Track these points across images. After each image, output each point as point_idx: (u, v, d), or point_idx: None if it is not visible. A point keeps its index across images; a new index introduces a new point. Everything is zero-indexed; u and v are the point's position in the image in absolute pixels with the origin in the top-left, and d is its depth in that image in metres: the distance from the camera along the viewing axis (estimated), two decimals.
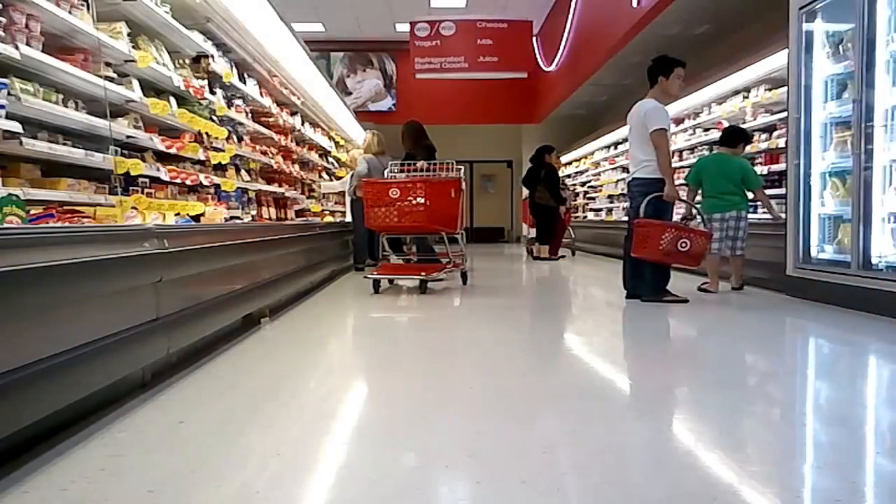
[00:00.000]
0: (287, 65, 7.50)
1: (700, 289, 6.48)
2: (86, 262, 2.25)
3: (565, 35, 13.82)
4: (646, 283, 5.73)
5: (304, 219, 8.41)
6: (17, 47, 2.94)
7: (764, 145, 7.92)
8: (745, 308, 5.64)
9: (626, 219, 6.79)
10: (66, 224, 2.95)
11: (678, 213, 6.32)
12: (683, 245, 5.45)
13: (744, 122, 8.41)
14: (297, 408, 2.69)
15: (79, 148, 3.51)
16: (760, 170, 7.91)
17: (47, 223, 2.82)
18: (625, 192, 12.07)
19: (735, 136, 6.85)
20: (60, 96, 3.36)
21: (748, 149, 8.06)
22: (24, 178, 3.22)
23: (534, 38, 15.20)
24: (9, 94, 2.90)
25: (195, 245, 3.38)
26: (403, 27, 14.82)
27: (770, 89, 7.82)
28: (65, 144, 3.45)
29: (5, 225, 2.26)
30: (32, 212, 2.86)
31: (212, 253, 3.61)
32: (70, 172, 3.58)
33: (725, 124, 8.78)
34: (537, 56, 15.99)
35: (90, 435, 2.24)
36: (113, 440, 2.21)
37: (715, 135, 8.97)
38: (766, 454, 2.14)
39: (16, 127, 2.88)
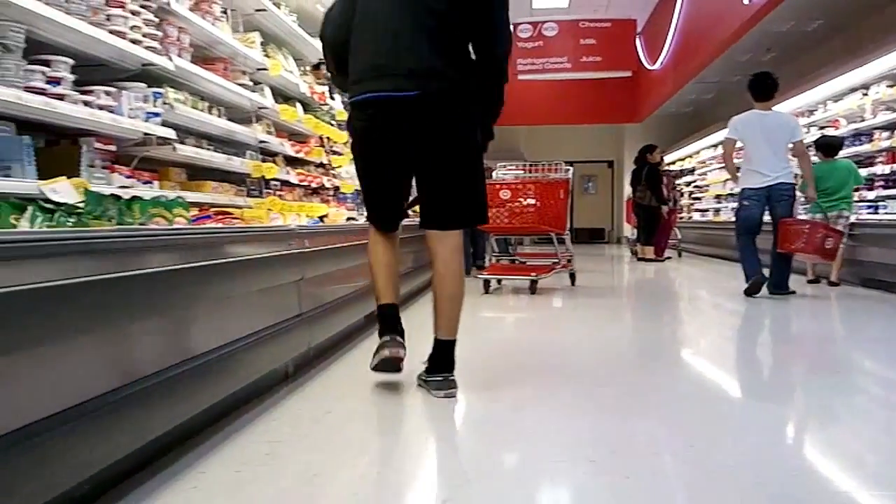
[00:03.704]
0: None
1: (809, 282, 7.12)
2: (250, 259, 2.41)
3: (670, 33, 13.57)
4: (781, 276, 6.10)
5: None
6: (170, 59, 3.15)
7: (886, 143, 7.63)
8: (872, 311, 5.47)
9: (735, 219, 6.86)
10: (223, 225, 3.14)
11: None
12: (829, 242, 5.97)
13: (862, 121, 8.15)
14: (424, 399, 2.77)
15: (219, 152, 3.72)
16: (882, 169, 7.73)
17: (205, 224, 3.01)
18: (733, 192, 11.86)
19: (839, 146, 7.26)
20: (206, 104, 3.57)
21: (868, 147, 7.89)
22: (173, 181, 3.44)
23: (637, 37, 14.99)
24: (164, 102, 3.11)
25: (329, 245, 3.52)
26: None
27: (892, 86, 7.52)
28: (207, 149, 3.67)
29: (175, 225, 2.44)
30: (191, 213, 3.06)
31: (342, 253, 3.75)
32: (210, 175, 3.80)
33: (843, 122, 8.54)
34: (640, 54, 15.76)
35: (248, 423, 2.37)
36: (270, 428, 2.35)
37: (830, 133, 8.70)
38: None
39: (171, 134, 3.09)
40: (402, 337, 2.76)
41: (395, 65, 2.56)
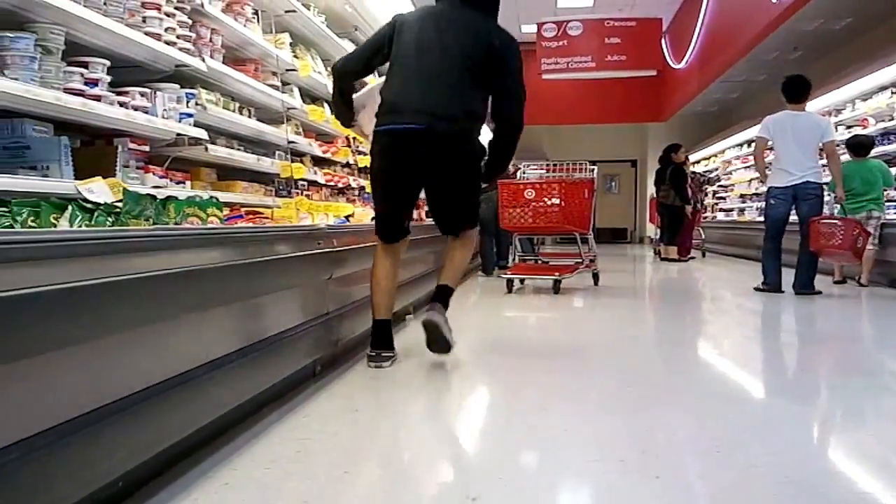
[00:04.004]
0: None
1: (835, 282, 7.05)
2: (282, 258, 2.46)
3: (696, 31, 13.49)
4: (807, 276, 6.18)
5: None
6: (203, 60, 3.20)
7: None
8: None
9: (761, 219, 6.95)
10: (255, 224, 3.18)
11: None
12: (860, 242, 6.04)
13: (891, 120, 8.07)
14: (451, 397, 2.80)
15: (249, 153, 3.77)
16: None
17: (237, 224, 3.06)
18: (758, 191, 11.78)
19: (870, 146, 7.23)
20: (237, 104, 3.62)
21: (894, 147, 7.82)
22: (204, 181, 3.49)
23: (662, 36, 14.90)
24: (196, 103, 3.16)
25: (356, 244, 3.54)
26: (529, 28, 14.77)
27: None
28: (238, 150, 3.72)
29: (209, 225, 2.48)
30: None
31: (369, 252, 3.78)
32: (240, 175, 3.85)
33: (871, 121, 8.46)
34: (665, 53, 15.66)
35: (278, 420, 2.40)
36: (300, 425, 2.38)
37: (858, 132, 8.62)
38: None
39: (202, 134, 3.14)
40: (391, 348, 3.26)
41: (416, 106, 3.08)
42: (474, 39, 3.16)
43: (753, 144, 7.29)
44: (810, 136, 6.11)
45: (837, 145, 8.09)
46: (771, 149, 6.41)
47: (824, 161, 6.47)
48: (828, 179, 6.70)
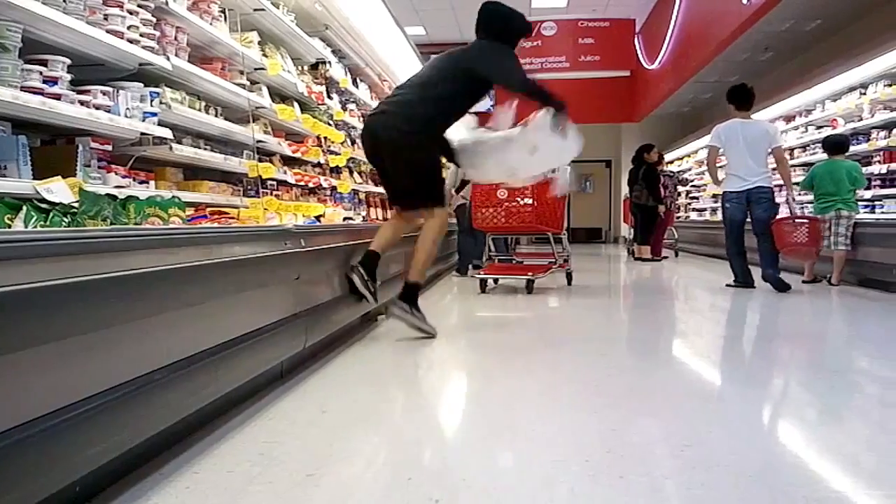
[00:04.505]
0: (396, 68, 7.67)
1: (804, 282, 7.06)
2: (246, 259, 2.42)
3: (669, 32, 13.58)
4: (772, 263, 6.41)
5: None
6: (168, 58, 3.16)
7: (883, 143, 7.65)
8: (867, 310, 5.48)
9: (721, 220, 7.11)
10: (219, 225, 3.14)
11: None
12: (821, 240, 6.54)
13: (860, 120, 8.17)
14: (419, 398, 2.79)
15: (216, 152, 3.73)
16: (879, 168, 7.77)
17: (201, 224, 3.02)
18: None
19: (843, 144, 7.22)
20: (203, 104, 3.57)
21: (865, 146, 7.92)
22: (169, 181, 3.44)
23: (636, 37, 14.99)
24: (160, 102, 3.11)
25: (326, 245, 3.52)
26: None
27: (890, 85, 7.55)
28: (204, 149, 3.67)
29: (171, 225, 2.44)
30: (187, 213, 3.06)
31: (338, 252, 3.76)
32: (207, 175, 3.80)
33: (841, 122, 8.57)
34: (639, 54, 15.76)
35: (244, 422, 2.39)
36: (265, 427, 2.36)
37: (828, 132, 8.72)
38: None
39: (167, 133, 3.09)
40: (368, 273, 3.83)
41: (381, 108, 3.94)
42: (456, 58, 4.02)
43: (706, 152, 7.43)
44: (760, 142, 6.41)
45: (801, 148, 8.23)
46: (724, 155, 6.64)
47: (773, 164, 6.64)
48: (778, 183, 7.05)
